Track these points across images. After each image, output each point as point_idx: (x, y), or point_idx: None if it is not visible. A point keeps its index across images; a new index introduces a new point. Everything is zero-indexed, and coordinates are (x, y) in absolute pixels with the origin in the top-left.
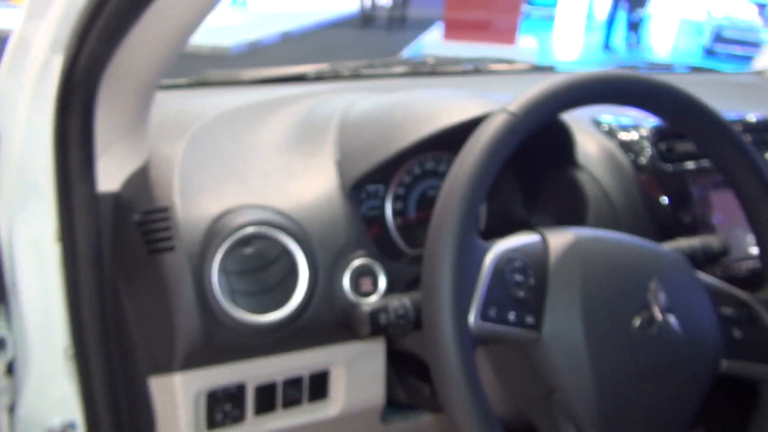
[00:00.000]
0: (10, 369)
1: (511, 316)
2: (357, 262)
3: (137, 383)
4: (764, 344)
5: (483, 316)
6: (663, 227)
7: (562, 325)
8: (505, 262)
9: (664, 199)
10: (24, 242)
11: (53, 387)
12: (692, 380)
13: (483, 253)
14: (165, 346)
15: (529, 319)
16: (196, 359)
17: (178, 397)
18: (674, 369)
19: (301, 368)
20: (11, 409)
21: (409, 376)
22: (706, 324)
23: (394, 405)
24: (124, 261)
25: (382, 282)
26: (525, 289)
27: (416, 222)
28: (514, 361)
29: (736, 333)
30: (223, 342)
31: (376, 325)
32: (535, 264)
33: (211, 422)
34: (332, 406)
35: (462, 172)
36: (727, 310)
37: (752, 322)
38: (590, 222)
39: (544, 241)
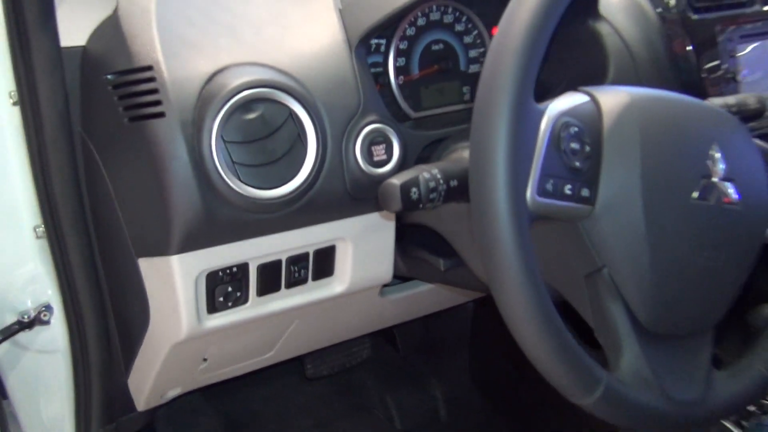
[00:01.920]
0: None
1: (568, 189)
2: (369, 128)
3: (125, 266)
4: None
5: (540, 191)
6: (686, 84)
7: (619, 196)
8: (561, 127)
9: (690, 52)
10: None
11: (23, 268)
12: (747, 251)
13: (539, 117)
14: (159, 226)
15: (585, 192)
16: (194, 241)
17: (175, 281)
18: (731, 241)
19: (307, 245)
20: None
21: (421, 250)
22: (763, 192)
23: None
24: (98, 131)
25: (397, 150)
26: (581, 158)
27: (419, 81)
28: (558, 237)
29: None
30: (224, 221)
31: (408, 201)
32: (590, 129)
33: (212, 306)
34: (338, 284)
35: (522, 13)
36: None
37: None
38: (611, 79)
39: (595, 102)
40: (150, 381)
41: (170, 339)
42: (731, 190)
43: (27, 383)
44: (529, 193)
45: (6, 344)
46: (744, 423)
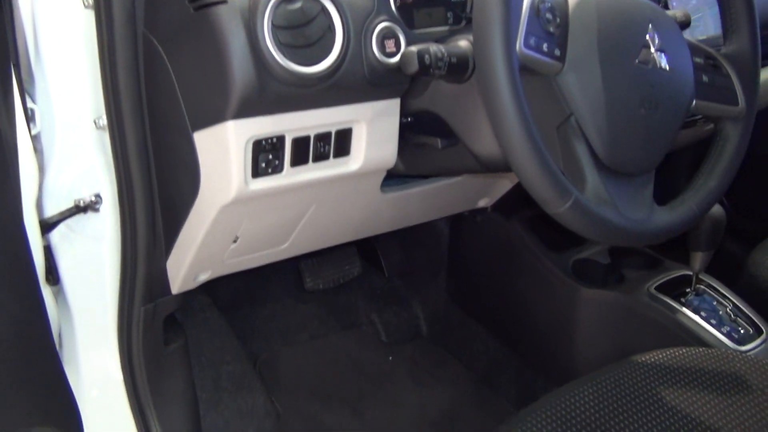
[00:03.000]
0: (38, 143)
1: (545, 46)
2: (381, 25)
3: (179, 144)
4: (724, 89)
5: (526, 44)
6: None
7: (582, 57)
8: (539, 2)
9: None
10: (48, 7)
11: (81, 159)
12: (675, 110)
13: None
14: (218, 97)
15: (557, 51)
16: (247, 108)
17: (229, 144)
18: (664, 99)
19: (330, 124)
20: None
21: (420, 136)
22: (686, 65)
23: (391, 177)
24: (163, 26)
25: (403, 44)
26: (554, 26)
27: (412, 4)
28: (536, 91)
29: (705, 78)
30: (272, 92)
31: (422, 64)
32: (559, 6)
33: (255, 171)
34: (353, 162)
35: None
36: (698, 60)
37: (716, 71)
38: None
39: None
40: (187, 260)
41: (219, 202)
42: (663, 60)
43: (77, 268)
44: (518, 44)
45: (60, 231)
46: (682, 299)
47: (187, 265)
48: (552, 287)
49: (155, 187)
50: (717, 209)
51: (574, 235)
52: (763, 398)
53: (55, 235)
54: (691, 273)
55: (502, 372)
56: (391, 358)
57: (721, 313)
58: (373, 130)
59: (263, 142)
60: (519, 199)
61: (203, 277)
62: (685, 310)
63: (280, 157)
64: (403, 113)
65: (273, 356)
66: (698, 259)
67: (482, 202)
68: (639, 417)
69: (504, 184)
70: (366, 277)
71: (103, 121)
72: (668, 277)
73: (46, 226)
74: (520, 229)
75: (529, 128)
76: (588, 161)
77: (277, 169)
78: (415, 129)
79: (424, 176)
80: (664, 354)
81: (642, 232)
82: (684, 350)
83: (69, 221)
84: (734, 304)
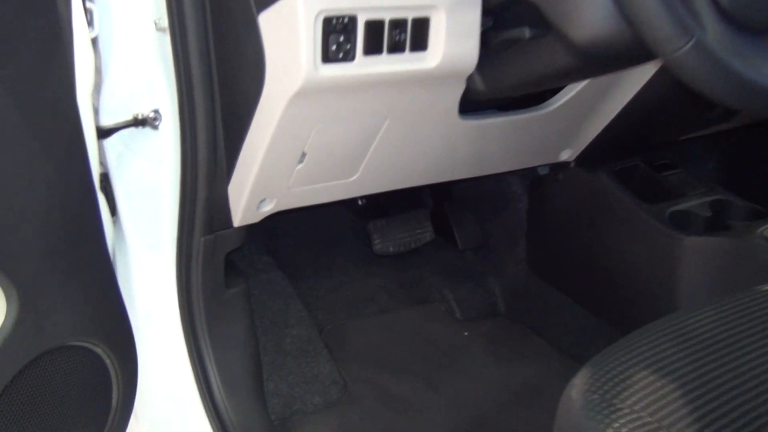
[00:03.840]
0: (95, 48)
1: None
2: None
3: (243, 30)
4: None
5: None
6: None
7: None
8: None
9: None
10: None
11: (140, 67)
12: None
13: None
14: None
15: None
16: None
17: (299, 18)
18: None
19: (407, 8)
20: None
21: (504, 32)
22: None
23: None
24: None
25: None
26: None
27: None
28: None
29: None
30: None
31: None
32: None
33: (325, 54)
34: (431, 59)
35: None
36: None
37: None
38: None
39: None
40: (250, 180)
41: (287, 92)
42: None
43: (135, 194)
44: None
45: (117, 151)
46: None
47: (250, 185)
48: (649, 240)
49: (217, 96)
50: None
51: (670, 187)
52: None
53: (112, 154)
54: None
55: (592, 344)
56: (466, 333)
57: None
58: (453, 22)
59: (334, 21)
60: (605, 150)
61: (267, 208)
62: None
63: (352, 41)
64: (487, 6)
65: (338, 327)
66: None
67: (564, 155)
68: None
69: (589, 132)
70: (438, 250)
71: (164, 22)
72: None
73: (102, 132)
74: (610, 182)
75: None
76: (706, 6)
77: (349, 55)
78: (498, 29)
79: (504, 108)
80: None
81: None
82: None
83: (127, 139)
84: None
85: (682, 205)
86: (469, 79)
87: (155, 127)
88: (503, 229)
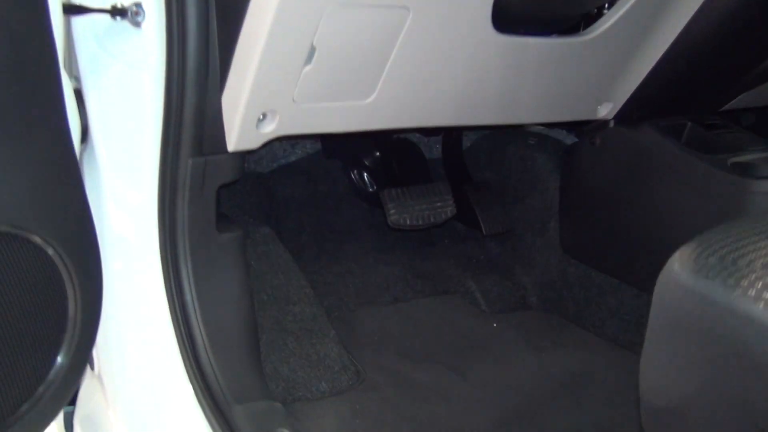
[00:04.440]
0: None
1: None
2: None
3: None
4: None
5: None
6: None
7: None
8: None
9: None
10: None
11: None
12: None
13: None
14: None
15: None
16: None
17: None
18: None
19: None
20: None
21: None
22: None
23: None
24: None
25: None
26: None
27: None
28: None
29: None
30: None
31: None
32: None
33: None
34: None
35: None
36: None
37: None
38: None
39: None
40: (248, 83)
41: None
42: None
43: (110, 106)
44: None
45: (92, 53)
46: None
47: (248, 91)
48: (713, 193)
49: None
50: None
51: (725, 144)
52: None
53: (85, 58)
54: None
55: (643, 326)
56: (495, 324)
57: None
58: None
59: None
60: (647, 107)
61: (269, 128)
62: None
63: None
64: None
65: (348, 314)
66: None
67: (603, 110)
68: None
69: (632, 79)
70: (457, 239)
71: None
72: None
73: (70, 7)
74: (659, 136)
75: None
76: None
77: None
78: None
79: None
80: None
81: None
82: None
83: (103, 38)
84: None
85: (744, 157)
86: None
87: (137, 24)
88: (531, 214)
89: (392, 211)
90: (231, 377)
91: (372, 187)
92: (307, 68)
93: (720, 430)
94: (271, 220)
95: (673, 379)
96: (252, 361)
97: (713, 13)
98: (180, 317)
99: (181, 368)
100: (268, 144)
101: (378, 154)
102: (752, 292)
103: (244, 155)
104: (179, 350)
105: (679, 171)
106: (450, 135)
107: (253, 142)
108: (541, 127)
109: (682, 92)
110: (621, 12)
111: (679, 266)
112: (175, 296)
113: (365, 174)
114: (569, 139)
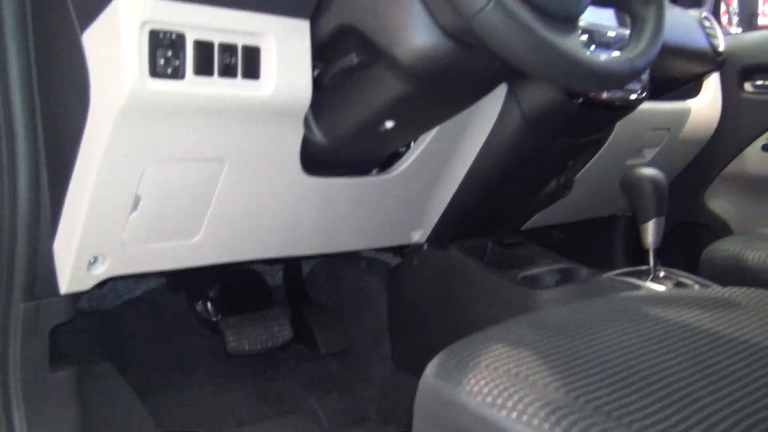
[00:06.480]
0: None
1: None
2: None
3: (67, 52)
4: None
5: None
6: None
7: None
8: None
9: None
10: None
11: None
12: None
13: None
14: None
15: None
16: None
17: (122, 26)
18: None
19: (235, 31)
20: None
21: (333, 64)
22: None
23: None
24: None
25: None
26: None
27: None
28: None
29: None
30: None
31: None
32: None
33: (153, 68)
34: (263, 88)
35: None
36: None
37: None
38: None
39: None
40: (79, 228)
41: (113, 105)
42: None
43: None
44: None
45: None
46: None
47: (78, 238)
48: (505, 302)
49: (40, 131)
50: (656, 172)
51: (519, 259)
52: None
53: None
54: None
55: None
56: None
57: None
58: (283, 53)
59: (161, 35)
60: (455, 229)
61: (100, 270)
62: (649, 284)
63: (181, 58)
64: (316, 39)
65: None
66: (649, 231)
67: (416, 235)
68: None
69: (437, 206)
70: (299, 359)
71: None
72: (626, 270)
73: None
74: (461, 255)
75: None
76: None
77: (179, 72)
78: (329, 65)
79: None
80: None
81: (576, 59)
82: None
83: None
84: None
85: (532, 271)
86: (307, 129)
87: None
88: (366, 330)
89: (230, 339)
90: None
91: (216, 317)
92: (134, 215)
93: None
94: (115, 355)
95: None
96: None
97: (497, 147)
98: None
99: None
100: (111, 281)
101: (220, 285)
102: (468, 388)
103: (77, 296)
104: None
105: (481, 285)
106: (290, 262)
107: (84, 284)
108: (372, 251)
109: (483, 216)
110: (417, 153)
111: (428, 370)
112: None
113: (209, 304)
114: (395, 261)
